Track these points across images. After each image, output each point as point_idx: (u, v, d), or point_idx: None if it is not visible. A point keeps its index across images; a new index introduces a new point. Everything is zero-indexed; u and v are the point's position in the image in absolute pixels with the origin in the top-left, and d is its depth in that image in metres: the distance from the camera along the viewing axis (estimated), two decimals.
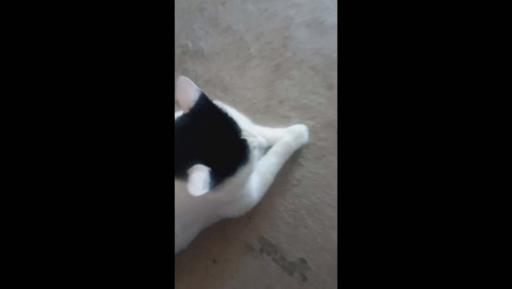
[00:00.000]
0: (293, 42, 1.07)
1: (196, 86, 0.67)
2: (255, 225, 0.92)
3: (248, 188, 0.81)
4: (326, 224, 0.89)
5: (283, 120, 0.99)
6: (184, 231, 0.82)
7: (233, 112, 0.70)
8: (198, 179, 0.57)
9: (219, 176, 0.63)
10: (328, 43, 1.04)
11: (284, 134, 0.92)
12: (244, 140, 0.67)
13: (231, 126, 0.67)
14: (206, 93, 0.69)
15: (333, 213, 0.89)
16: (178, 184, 0.60)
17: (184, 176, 0.59)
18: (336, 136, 0.93)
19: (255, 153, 0.69)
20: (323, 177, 0.93)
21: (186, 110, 0.67)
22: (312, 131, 0.95)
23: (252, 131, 0.69)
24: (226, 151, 0.66)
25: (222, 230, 0.93)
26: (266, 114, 1.01)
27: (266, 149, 0.89)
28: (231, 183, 0.66)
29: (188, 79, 0.66)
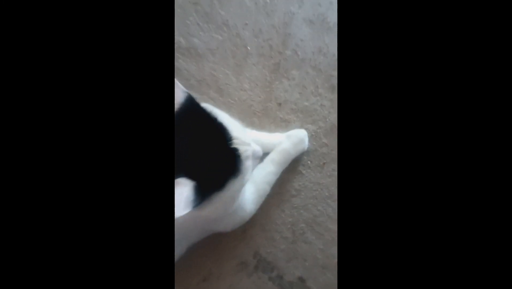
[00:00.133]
0: (294, 40, 1.01)
1: (182, 87, 0.60)
2: (250, 239, 0.86)
3: (241, 201, 0.74)
4: (328, 239, 0.84)
5: (281, 124, 0.94)
6: None
7: (223, 117, 0.62)
8: (179, 196, 0.50)
9: (205, 191, 0.55)
10: (332, 41, 0.98)
11: (283, 140, 0.87)
12: (235, 149, 0.60)
13: (221, 133, 0.60)
14: (198, 94, 0.63)
15: (335, 227, 0.83)
16: None
17: None
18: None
19: (248, 163, 0.62)
20: (325, 187, 0.87)
21: None
22: (313, 136, 0.91)
23: (245, 138, 0.62)
24: (214, 162, 0.58)
25: (214, 244, 0.86)
26: (263, 118, 0.96)
27: (263, 155, 0.83)
28: (219, 198, 0.59)
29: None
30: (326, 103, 0.93)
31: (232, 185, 0.60)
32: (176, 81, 0.59)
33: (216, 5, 1.08)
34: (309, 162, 0.89)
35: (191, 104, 0.61)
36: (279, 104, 0.96)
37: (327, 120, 0.91)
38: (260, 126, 0.93)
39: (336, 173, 0.87)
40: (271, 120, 0.95)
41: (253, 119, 0.96)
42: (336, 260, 0.80)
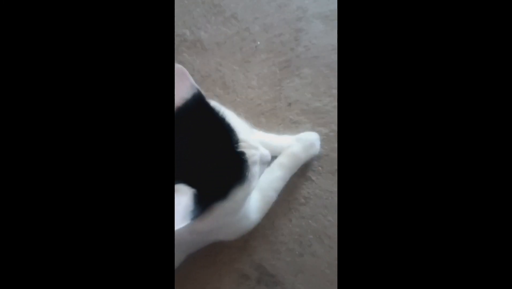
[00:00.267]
0: (306, 36, 0.97)
1: (192, 81, 0.54)
2: (253, 250, 0.80)
3: (246, 209, 0.68)
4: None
5: (291, 125, 0.89)
6: None
7: (231, 117, 0.56)
8: (177, 207, 0.44)
9: (206, 199, 0.49)
10: None
11: (292, 143, 0.81)
12: (242, 154, 0.53)
13: (227, 135, 0.53)
14: (202, 91, 0.56)
15: None
16: None
17: None
18: None
19: (255, 169, 0.56)
20: (336, 195, 0.81)
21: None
22: (325, 140, 0.85)
23: (253, 141, 0.56)
24: (217, 166, 0.52)
25: (213, 255, 0.80)
26: (271, 118, 0.91)
27: (270, 159, 0.77)
28: (222, 208, 0.53)
29: (185, 70, 0.53)
30: None
31: (237, 194, 0.54)
32: (186, 72, 0.53)
33: None
34: (320, 167, 0.84)
35: (199, 101, 0.54)
36: (289, 104, 0.91)
37: None
38: (267, 127, 0.88)
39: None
40: (279, 121, 0.90)
41: (260, 119, 0.91)
42: None
